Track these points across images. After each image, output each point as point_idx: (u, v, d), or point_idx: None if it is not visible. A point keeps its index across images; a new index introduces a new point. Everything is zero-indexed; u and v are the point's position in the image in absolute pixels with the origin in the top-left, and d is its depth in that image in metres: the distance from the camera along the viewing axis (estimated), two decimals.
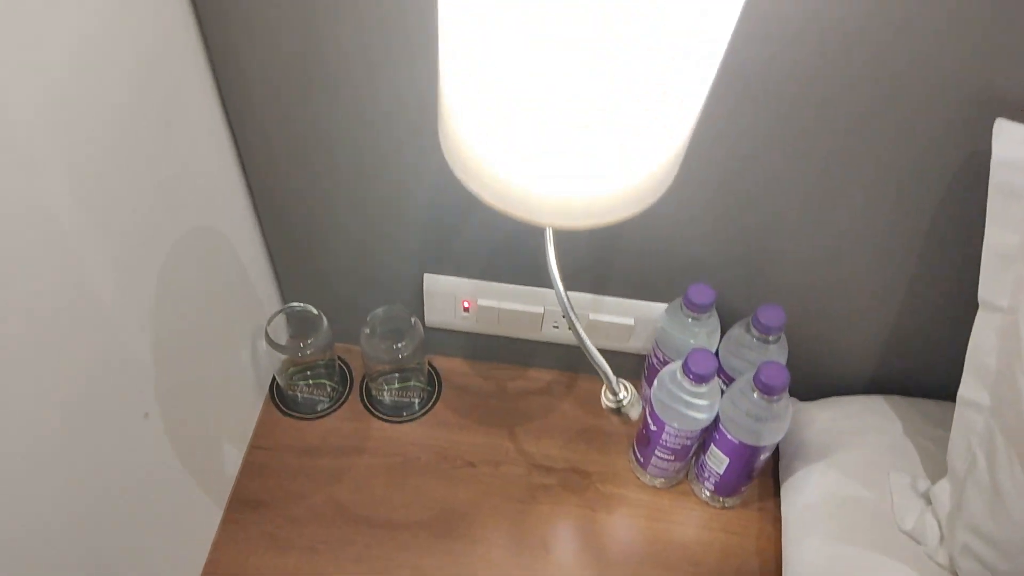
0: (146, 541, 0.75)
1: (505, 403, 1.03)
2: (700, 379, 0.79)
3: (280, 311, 0.94)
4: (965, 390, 0.74)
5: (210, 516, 0.89)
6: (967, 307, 0.72)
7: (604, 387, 0.73)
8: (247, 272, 0.91)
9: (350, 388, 1.04)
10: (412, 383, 1.02)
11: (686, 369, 0.79)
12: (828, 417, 0.93)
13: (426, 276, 0.95)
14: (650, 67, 0.42)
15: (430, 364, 1.06)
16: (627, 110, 0.45)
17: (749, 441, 0.81)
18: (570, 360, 1.05)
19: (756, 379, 0.78)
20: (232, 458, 0.94)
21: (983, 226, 0.68)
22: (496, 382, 1.06)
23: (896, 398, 0.93)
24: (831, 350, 0.94)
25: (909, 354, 0.92)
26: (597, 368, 0.69)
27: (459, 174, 0.54)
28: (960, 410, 0.76)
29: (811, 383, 0.97)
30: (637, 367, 1.01)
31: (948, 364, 0.78)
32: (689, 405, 0.82)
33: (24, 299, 0.52)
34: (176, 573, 0.83)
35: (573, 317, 0.65)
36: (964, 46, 0.63)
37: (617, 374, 0.72)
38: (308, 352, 0.93)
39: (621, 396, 0.72)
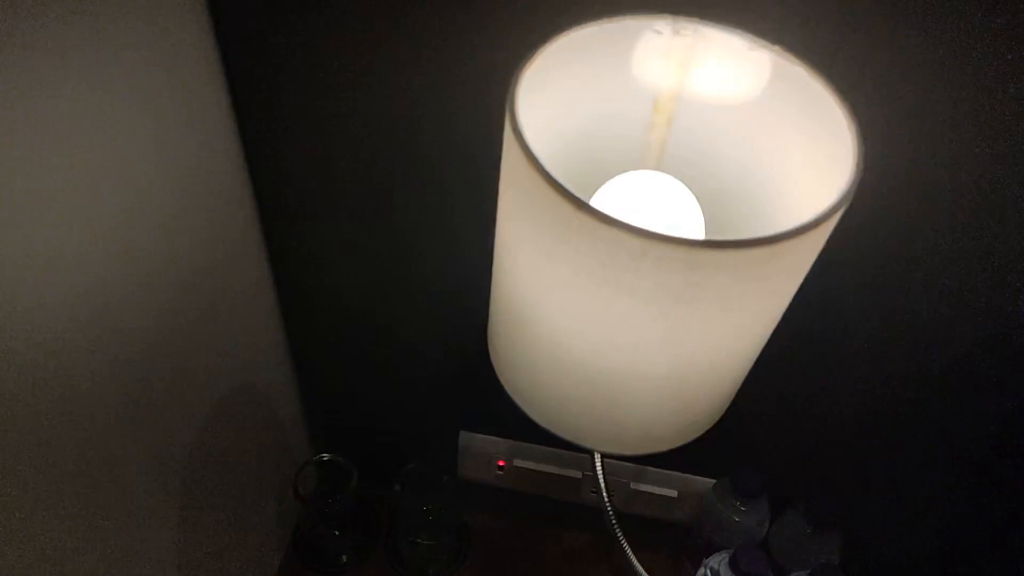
0: None
1: (536, 565, 0.98)
2: None
3: (309, 462, 0.92)
4: None
5: None
6: None
7: None
8: (281, 423, 0.89)
9: (376, 540, 1.00)
10: (441, 541, 0.97)
11: (732, 566, 0.74)
12: None
13: (462, 433, 0.92)
14: (708, 341, 0.40)
15: (461, 520, 1.02)
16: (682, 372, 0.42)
17: None
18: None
19: None
20: None
21: None
22: (528, 542, 1.00)
23: None
24: (892, 547, 0.88)
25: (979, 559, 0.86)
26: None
27: (508, 388, 0.52)
28: None
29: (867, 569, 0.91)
30: (679, 537, 0.95)
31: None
32: None
33: (34, 454, 0.50)
34: None
35: (620, 538, 0.61)
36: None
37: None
38: (336, 506, 0.90)
39: None
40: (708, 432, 0.81)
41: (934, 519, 0.84)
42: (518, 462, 0.92)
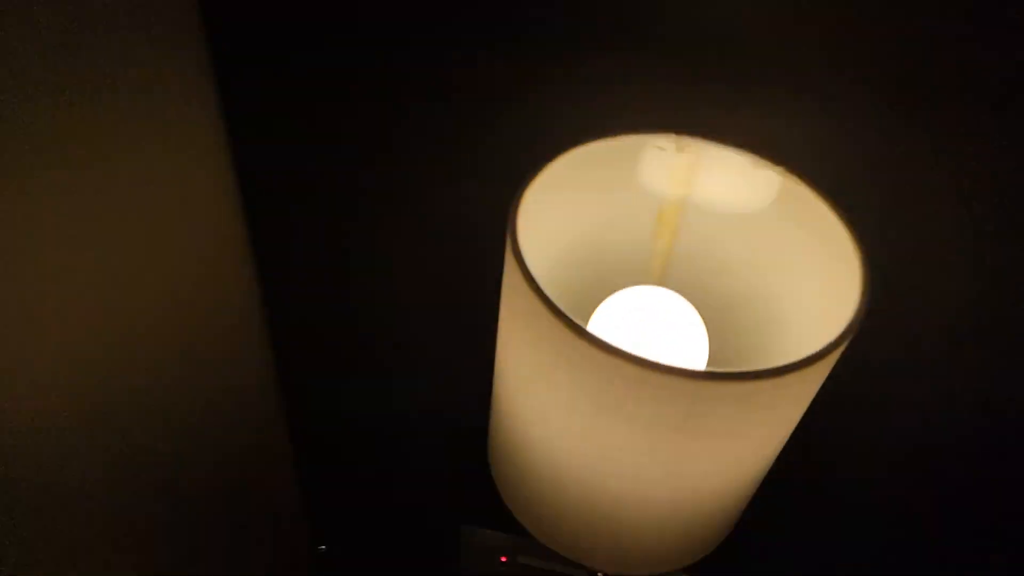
0: None
1: None
2: None
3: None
4: None
5: None
6: None
7: None
8: (279, 514, 0.87)
9: None
10: None
11: None
12: None
13: (463, 528, 0.89)
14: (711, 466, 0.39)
15: None
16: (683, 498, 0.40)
17: None
18: None
19: None
20: None
21: None
22: None
23: None
24: None
25: None
26: None
27: (507, 500, 0.50)
28: None
29: None
30: None
31: None
32: None
33: None
34: None
35: None
36: None
37: None
38: None
39: None
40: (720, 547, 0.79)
41: None
42: (522, 558, 0.89)
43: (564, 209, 0.45)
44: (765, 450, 0.40)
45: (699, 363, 0.45)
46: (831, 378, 0.39)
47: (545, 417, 0.40)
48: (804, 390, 0.37)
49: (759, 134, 0.46)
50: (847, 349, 0.36)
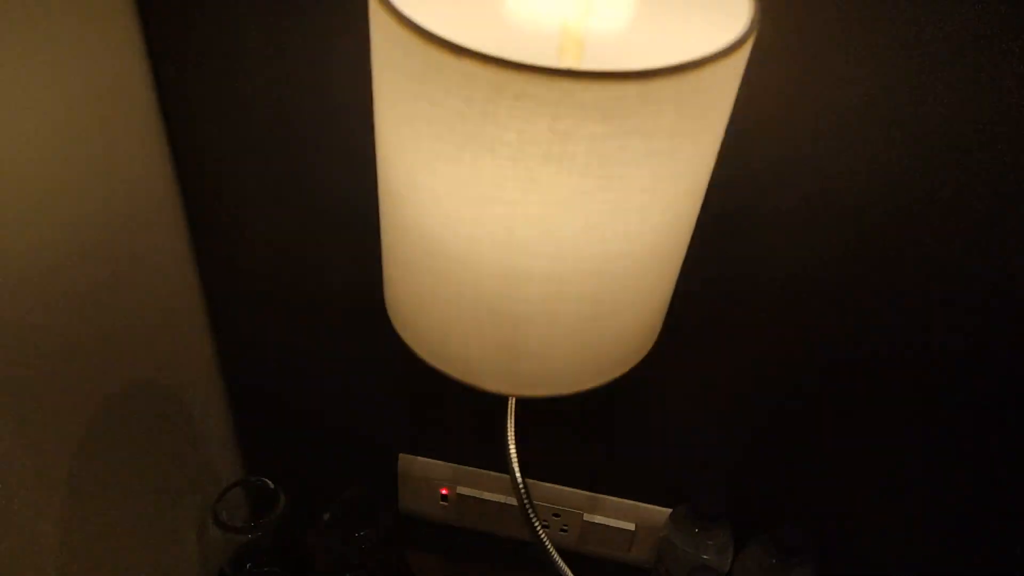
0: None
1: None
2: None
3: (233, 485, 0.84)
4: None
5: None
6: None
7: None
8: (205, 438, 0.82)
9: None
10: None
11: None
12: None
13: (401, 457, 0.84)
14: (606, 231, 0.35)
15: (402, 561, 0.93)
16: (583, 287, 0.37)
17: None
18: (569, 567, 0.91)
19: None
20: None
21: None
22: None
23: None
24: None
25: None
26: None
27: (396, 324, 0.47)
28: None
29: None
30: None
31: None
32: None
33: None
34: None
35: (530, 510, 0.54)
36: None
37: None
38: (260, 533, 0.82)
39: None
40: (667, 452, 0.74)
41: (917, 544, 0.75)
42: (462, 489, 0.84)
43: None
44: (657, 203, 0.36)
45: None
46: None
47: (411, 176, 0.36)
48: (691, 117, 0.33)
49: None
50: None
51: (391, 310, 0.47)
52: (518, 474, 0.55)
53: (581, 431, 0.77)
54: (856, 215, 0.56)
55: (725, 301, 0.64)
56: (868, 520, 0.75)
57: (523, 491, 0.56)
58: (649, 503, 0.80)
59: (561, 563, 0.59)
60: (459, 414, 0.79)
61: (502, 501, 0.83)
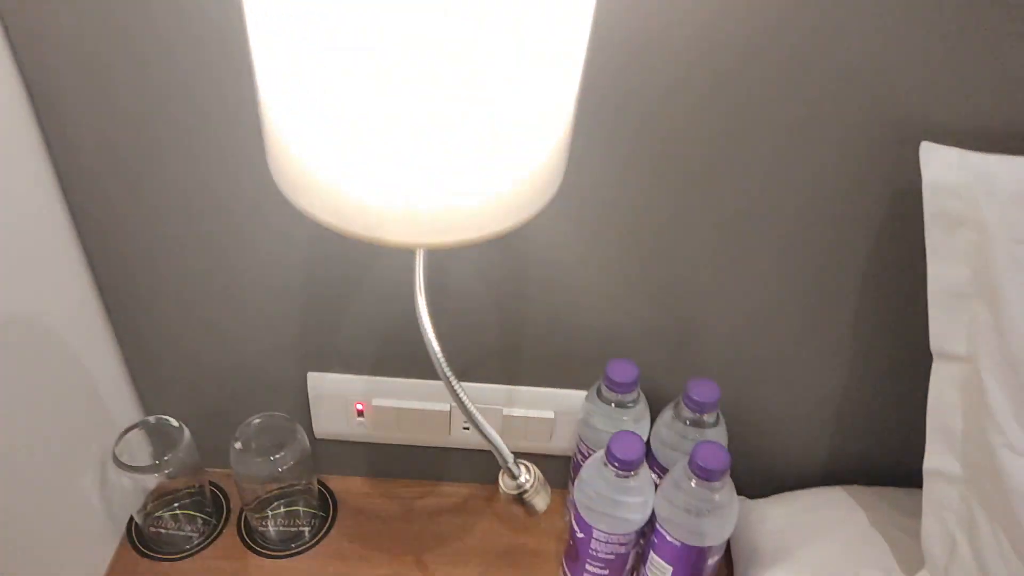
0: None
1: (413, 525, 0.88)
2: (627, 466, 0.66)
3: (131, 427, 0.79)
4: (931, 459, 0.64)
5: None
6: (919, 366, 0.63)
7: (501, 471, 0.60)
8: (93, 382, 0.77)
9: (226, 520, 0.87)
10: (300, 508, 0.86)
11: (609, 456, 0.67)
12: (782, 514, 0.81)
13: (310, 375, 0.82)
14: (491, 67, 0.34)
15: (323, 485, 0.91)
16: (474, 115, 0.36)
17: (692, 542, 0.68)
18: (488, 469, 0.91)
19: (692, 463, 0.66)
20: None
21: (924, 267, 0.61)
22: (402, 502, 0.91)
23: (857, 488, 0.82)
24: (776, 439, 0.83)
25: (863, 434, 0.82)
26: (488, 441, 0.57)
27: (288, 192, 0.44)
28: (929, 485, 0.65)
29: (758, 478, 0.86)
30: (563, 472, 0.88)
31: (909, 441, 0.68)
32: (617, 503, 0.68)
33: None
34: None
35: (448, 376, 0.54)
36: (878, 64, 0.58)
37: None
38: (168, 472, 0.78)
39: (522, 479, 0.59)
40: (580, 335, 0.75)
41: (816, 398, 0.80)
42: (377, 401, 0.82)
43: None
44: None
45: None
46: None
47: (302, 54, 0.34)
48: None
49: None
50: None
51: (281, 179, 0.44)
52: (434, 343, 0.54)
53: (493, 324, 0.76)
54: None
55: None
56: (767, 373, 0.78)
57: (440, 359, 0.54)
58: (566, 388, 0.81)
59: (495, 436, 0.58)
60: (366, 321, 0.77)
61: (419, 407, 0.83)
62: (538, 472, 0.61)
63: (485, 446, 0.86)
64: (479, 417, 0.56)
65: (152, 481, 0.80)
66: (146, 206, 0.68)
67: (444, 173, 0.39)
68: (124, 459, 0.76)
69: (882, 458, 0.83)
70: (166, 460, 0.77)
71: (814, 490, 0.83)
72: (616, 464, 0.67)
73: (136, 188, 0.67)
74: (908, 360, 0.70)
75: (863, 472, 0.84)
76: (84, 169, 0.66)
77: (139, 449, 0.82)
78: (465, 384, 0.81)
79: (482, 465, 0.90)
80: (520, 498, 0.59)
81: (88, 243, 0.72)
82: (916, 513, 0.71)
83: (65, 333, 0.71)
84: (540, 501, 0.60)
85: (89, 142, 0.64)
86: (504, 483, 0.60)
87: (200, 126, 0.63)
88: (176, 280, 0.74)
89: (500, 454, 0.58)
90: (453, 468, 0.91)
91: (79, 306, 0.73)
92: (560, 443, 0.86)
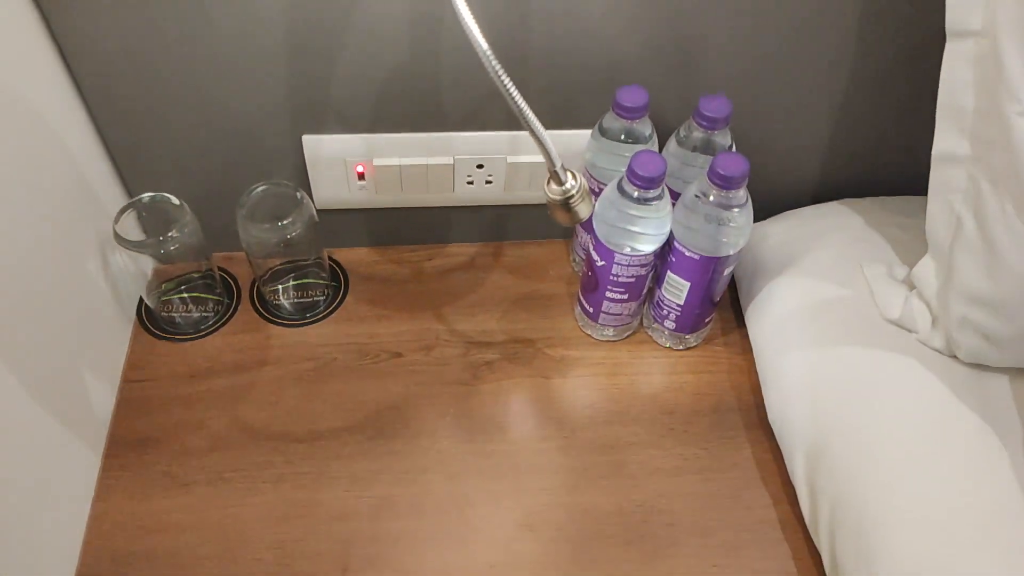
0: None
1: (426, 285, 0.89)
2: (649, 183, 0.67)
3: (128, 205, 0.76)
4: (941, 143, 0.66)
5: (84, 466, 0.71)
6: (928, 57, 0.63)
7: (548, 178, 0.60)
8: (77, 165, 0.72)
9: (238, 300, 0.87)
10: (311, 280, 0.86)
11: (631, 175, 0.67)
12: (783, 229, 0.84)
13: (305, 138, 0.79)
14: None
15: (331, 259, 0.91)
16: None
17: (710, 252, 0.71)
18: (493, 227, 0.92)
19: (712, 172, 0.67)
20: (102, 398, 0.76)
21: None
22: (411, 265, 0.91)
23: (854, 200, 0.85)
24: (777, 159, 0.85)
25: (864, 152, 0.84)
26: (539, 143, 0.56)
27: None
28: (937, 171, 0.67)
29: (759, 201, 0.88)
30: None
31: (907, 160, 0.70)
32: (638, 221, 0.70)
33: None
34: (54, 537, 0.65)
35: (497, 71, 0.51)
36: None
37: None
38: (174, 248, 0.76)
39: (568, 184, 0.59)
40: (576, 66, 0.72)
41: (817, 110, 0.81)
42: (379, 160, 0.80)
43: None
44: None
45: None
46: None
47: None
48: None
49: None
50: None
51: None
52: (476, 32, 0.50)
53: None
54: None
55: None
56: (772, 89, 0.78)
57: (487, 52, 0.51)
58: (571, 128, 0.80)
59: (546, 137, 0.56)
60: (359, 71, 0.73)
61: (423, 163, 0.81)
62: (584, 180, 0.61)
63: (487, 200, 0.87)
64: (530, 114, 0.54)
65: (155, 262, 0.79)
66: None
67: None
68: (127, 237, 0.74)
69: (878, 176, 0.86)
70: (170, 236, 0.75)
71: (813, 206, 0.86)
72: (638, 182, 0.67)
73: None
74: (913, 53, 0.71)
75: (862, 192, 0.87)
76: None
77: (140, 233, 0.80)
78: (466, 134, 0.80)
79: (487, 223, 0.91)
80: (567, 203, 0.60)
81: (45, 3, 0.65)
82: (913, 214, 0.75)
83: (32, 104, 0.65)
84: (584, 208, 0.60)
85: None
86: (550, 190, 0.60)
87: None
88: (151, 39, 0.68)
89: (549, 157, 0.57)
90: (457, 229, 0.92)
91: (44, 74, 0.67)
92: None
